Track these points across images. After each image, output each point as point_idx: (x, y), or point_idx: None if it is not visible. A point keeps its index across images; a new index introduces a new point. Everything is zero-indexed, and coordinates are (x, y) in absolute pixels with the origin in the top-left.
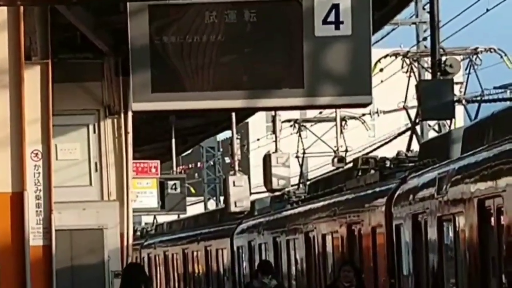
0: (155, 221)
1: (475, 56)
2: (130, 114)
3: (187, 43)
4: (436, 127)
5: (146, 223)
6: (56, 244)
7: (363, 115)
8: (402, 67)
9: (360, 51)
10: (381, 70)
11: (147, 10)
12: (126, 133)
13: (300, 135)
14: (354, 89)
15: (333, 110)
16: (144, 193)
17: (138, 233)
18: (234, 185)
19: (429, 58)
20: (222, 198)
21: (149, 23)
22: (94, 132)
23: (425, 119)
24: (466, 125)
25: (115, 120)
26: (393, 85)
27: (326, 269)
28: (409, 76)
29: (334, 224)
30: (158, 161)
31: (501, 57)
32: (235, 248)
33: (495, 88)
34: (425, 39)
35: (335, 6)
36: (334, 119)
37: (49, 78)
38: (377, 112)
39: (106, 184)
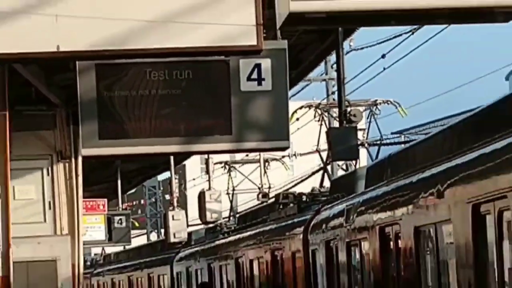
0: (103, 252)
1: (375, 107)
2: (80, 158)
3: (131, 97)
4: (344, 167)
5: (95, 254)
6: (14, 275)
7: (283, 157)
8: (315, 117)
9: (279, 103)
10: (297, 119)
11: (94, 68)
12: (77, 175)
13: (230, 175)
14: (274, 135)
15: (258, 153)
16: (93, 227)
17: (88, 263)
18: (173, 219)
19: (337, 109)
20: (162, 230)
21: (96, 79)
22: (48, 174)
23: (334, 160)
24: (368, 165)
25: (67, 164)
26: (308, 132)
27: None
28: (321, 124)
29: (260, 251)
30: (106, 199)
31: (396, 107)
32: (174, 274)
33: (392, 133)
34: (333, 93)
35: (258, 66)
36: (259, 161)
37: (7, 128)
38: (294, 155)
39: (59, 221)
